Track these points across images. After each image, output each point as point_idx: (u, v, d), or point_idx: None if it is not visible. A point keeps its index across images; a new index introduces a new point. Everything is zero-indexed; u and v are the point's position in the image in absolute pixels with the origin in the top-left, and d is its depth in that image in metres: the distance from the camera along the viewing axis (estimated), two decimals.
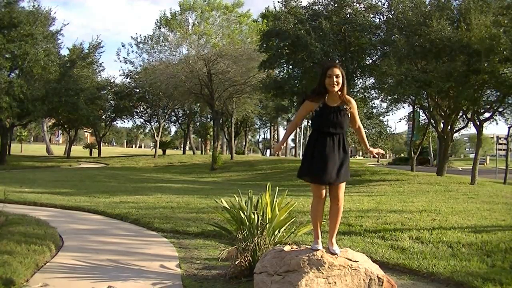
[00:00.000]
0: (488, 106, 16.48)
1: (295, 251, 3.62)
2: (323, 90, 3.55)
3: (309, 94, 3.69)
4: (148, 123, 41.41)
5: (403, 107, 26.38)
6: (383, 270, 3.76)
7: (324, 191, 3.62)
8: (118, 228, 6.80)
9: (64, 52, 35.28)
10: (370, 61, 20.85)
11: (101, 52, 33.26)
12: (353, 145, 40.16)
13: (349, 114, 3.59)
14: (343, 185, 3.63)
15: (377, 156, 3.77)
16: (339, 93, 3.56)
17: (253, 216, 4.22)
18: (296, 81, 21.24)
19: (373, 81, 21.45)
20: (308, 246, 3.76)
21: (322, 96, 3.57)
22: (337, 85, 3.51)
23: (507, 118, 17.92)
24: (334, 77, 3.49)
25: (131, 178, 17.78)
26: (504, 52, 13.21)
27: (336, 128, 3.54)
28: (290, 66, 21.73)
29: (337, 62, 4.05)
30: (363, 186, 14.20)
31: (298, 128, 49.54)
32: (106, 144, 77.29)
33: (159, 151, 38.78)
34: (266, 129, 55.60)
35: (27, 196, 9.84)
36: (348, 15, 19.27)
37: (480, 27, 13.55)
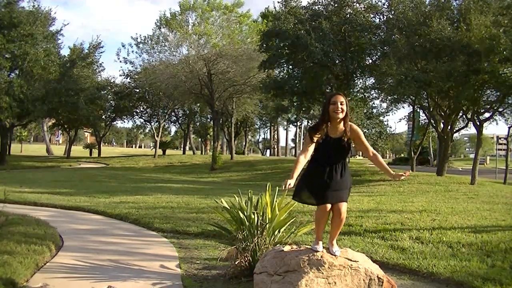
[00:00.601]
0: (488, 106, 16.48)
1: (295, 251, 3.62)
2: (327, 118, 3.55)
3: (312, 126, 3.69)
4: (148, 123, 41.43)
5: (403, 107, 26.42)
6: (383, 270, 3.77)
7: (328, 205, 3.61)
8: (118, 228, 6.80)
9: (65, 52, 35.30)
10: (370, 61, 20.84)
11: (101, 52, 33.33)
12: (353, 145, 40.18)
13: (351, 143, 3.62)
14: (345, 204, 3.64)
15: (405, 177, 3.71)
16: (342, 122, 3.55)
17: (253, 216, 4.22)
18: (296, 81, 21.23)
19: (373, 81, 21.45)
20: (308, 246, 3.76)
21: (324, 126, 3.56)
22: (342, 112, 3.51)
23: (507, 118, 17.92)
24: (339, 103, 3.50)
25: (131, 178, 17.78)
26: (504, 52, 13.21)
27: (337, 158, 3.57)
28: (290, 66, 21.72)
29: (336, 92, 4.03)
30: (363, 186, 14.20)
31: (298, 128, 49.64)
32: (106, 144, 77.28)
33: (159, 151, 38.77)
34: (266, 129, 55.62)
35: (27, 196, 9.84)
36: (348, 15, 19.26)
37: (480, 27, 13.55)
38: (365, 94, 23.32)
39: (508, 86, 13.81)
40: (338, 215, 3.60)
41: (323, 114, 3.59)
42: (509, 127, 18.73)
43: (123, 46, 79.11)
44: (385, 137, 31.56)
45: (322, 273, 3.41)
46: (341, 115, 3.52)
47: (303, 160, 3.54)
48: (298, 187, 3.62)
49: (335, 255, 3.55)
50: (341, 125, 3.56)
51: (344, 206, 3.61)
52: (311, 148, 3.59)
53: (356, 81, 22.01)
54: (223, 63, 26.37)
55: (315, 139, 3.56)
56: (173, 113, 41.26)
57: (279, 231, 4.39)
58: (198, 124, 46.67)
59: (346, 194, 3.62)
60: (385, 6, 19.01)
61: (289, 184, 3.38)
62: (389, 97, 20.55)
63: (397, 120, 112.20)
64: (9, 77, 23.51)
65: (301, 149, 3.91)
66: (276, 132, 50.52)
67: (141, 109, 39.15)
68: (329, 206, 3.57)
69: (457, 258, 4.60)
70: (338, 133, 3.56)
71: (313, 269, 3.41)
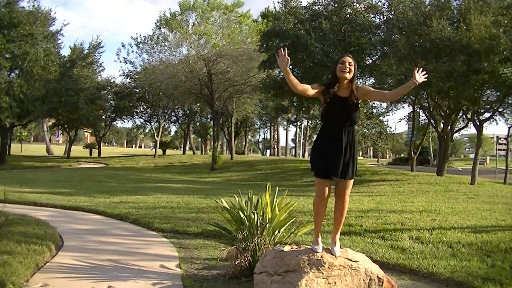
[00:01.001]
0: (488, 106, 16.49)
1: (295, 251, 3.62)
2: (334, 80, 3.58)
3: (326, 84, 3.67)
4: (148, 123, 41.43)
5: (403, 107, 26.41)
6: (383, 270, 3.77)
7: (328, 189, 3.59)
8: (118, 228, 6.80)
9: (65, 52, 35.31)
10: (370, 61, 20.84)
11: (101, 52, 33.31)
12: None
13: (359, 104, 3.62)
14: (350, 183, 3.62)
15: (424, 77, 3.49)
16: (350, 84, 3.57)
17: (253, 216, 4.22)
18: None
19: (373, 81, 21.44)
20: (308, 246, 3.76)
21: (332, 86, 3.57)
22: (349, 72, 3.53)
23: (507, 118, 17.95)
24: (347, 63, 3.52)
25: (131, 178, 17.78)
26: (504, 52, 13.21)
27: (345, 120, 3.53)
28: (290, 66, 21.70)
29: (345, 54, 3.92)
30: (363, 186, 14.20)
31: (298, 128, 49.63)
32: (106, 144, 77.27)
33: (159, 151, 38.77)
34: (266, 129, 55.64)
35: (27, 196, 9.84)
36: (348, 15, 19.25)
37: (480, 27, 13.55)
38: None
39: (508, 86, 13.81)
40: (341, 199, 3.61)
41: (333, 75, 3.61)
42: (509, 127, 18.75)
43: (123, 46, 79.14)
44: (385, 137, 31.59)
45: (322, 273, 3.41)
46: (348, 75, 3.52)
47: (298, 85, 3.53)
48: (312, 160, 3.65)
49: (335, 255, 3.54)
50: (349, 86, 3.57)
51: (348, 189, 3.59)
52: (310, 89, 3.57)
53: (356, 81, 21.96)
54: (223, 63, 26.38)
55: (322, 96, 3.55)
56: (173, 113, 41.27)
57: (279, 231, 4.39)
58: (198, 124, 46.68)
59: (352, 170, 3.56)
60: (385, 6, 19.01)
61: (284, 55, 3.34)
62: None
63: (397, 120, 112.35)
64: (9, 77, 23.51)
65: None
66: (276, 132, 50.54)
67: (141, 109, 39.16)
68: (327, 190, 3.54)
69: (457, 258, 4.60)
70: (345, 93, 3.56)
71: (313, 269, 3.41)
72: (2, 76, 22.41)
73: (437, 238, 5.40)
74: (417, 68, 3.53)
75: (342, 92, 3.57)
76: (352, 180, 3.62)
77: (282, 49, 3.35)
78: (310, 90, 3.59)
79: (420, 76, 3.45)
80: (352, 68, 3.54)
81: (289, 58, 3.35)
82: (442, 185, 13.50)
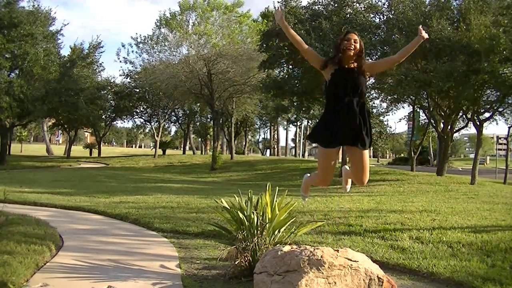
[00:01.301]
0: (488, 106, 16.49)
1: (295, 251, 3.62)
2: (336, 53, 3.38)
3: (327, 58, 3.48)
4: (148, 123, 41.43)
5: (403, 107, 26.42)
6: (383, 270, 3.76)
7: (331, 167, 3.36)
8: (118, 228, 6.80)
9: (65, 52, 35.30)
10: (370, 61, 20.84)
11: (101, 52, 33.28)
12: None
13: (367, 77, 3.44)
14: (366, 154, 3.35)
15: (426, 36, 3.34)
16: (356, 58, 3.38)
17: (253, 216, 4.22)
18: (296, 81, 21.21)
19: (373, 81, 21.44)
20: (308, 246, 3.76)
21: (335, 60, 3.37)
22: (354, 50, 3.35)
23: (507, 118, 17.95)
24: (352, 40, 3.35)
25: (131, 178, 17.78)
26: (504, 52, 13.22)
27: (354, 91, 3.31)
28: (290, 66, 21.72)
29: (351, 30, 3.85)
30: (363, 186, 14.18)
31: (298, 128, 49.63)
32: (106, 144, 77.25)
33: (159, 151, 38.77)
34: (266, 129, 55.62)
35: (27, 196, 9.84)
36: (348, 15, 19.24)
37: (480, 27, 13.55)
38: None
39: (508, 86, 13.81)
40: (361, 169, 3.37)
41: (335, 49, 3.41)
42: (509, 127, 18.75)
43: (123, 46, 79.08)
44: (385, 137, 31.63)
45: (322, 273, 3.41)
46: (352, 53, 3.34)
47: (300, 42, 3.40)
48: (314, 129, 3.47)
49: (345, 191, 3.57)
50: (354, 60, 3.38)
51: (365, 157, 3.31)
52: (311, 53, 3.46)
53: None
54: (223, 63, 26.37)
55: (325, 71, 3.36)
56: (173, 113, 41.28)
57: (279, 231, 4.39)
58: (198, 124, 46.67)
59: (367, 137, 3.28)
60: (385, 6, 19.01)
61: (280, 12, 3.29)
62: (389, 97, 20.58)
63: (397, 120, 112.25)
64: (9, 77, 23.52)
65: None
66: (276, 132, 50.53)
67: (141, 109, 39.15)
68: (331, 167, 3.33)
69: (457, 258, 4.60)
70: (351, 65, 3.38)
71: (313, 269, 3.41)
72: (2, 76, 22.42)
73: (437, 238, 5.40)
74: (421, 26, 3.38)
75: (347, 63, 3.38)
76: (368, 152, 3.35)
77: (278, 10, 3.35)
78: (310, 52, 3.49)
79: (424, 33, 3.32)
80: (357, 45, 3.35)
81: (282, 10, 3.27)
82: (442, 185, 13.51)
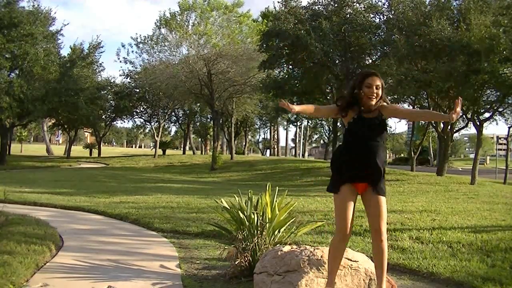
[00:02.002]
0: (488, 106, 16.49)
1: (295, 251, 3.62)
2: (351, 98, 3.08)
3: (341, 103, 3.14)
4: (148, 123, 41.43)
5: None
6: None
7: (350, 221, 3.08)
8: (118, 228, 6.80)
9: (65, 52, 35.29)
10: (370, 61, 20.85)
11: (101, 52, 33.27)
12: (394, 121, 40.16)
13: (387, 124, 3.24)
14: (382, 202, 3.04)
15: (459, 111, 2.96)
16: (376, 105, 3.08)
17: (253, 216, 4.22)
18: (296, 81, 21.25)
19: None
20: (308, 246, 3.76)
21: (353, 107, 3.07)
22: (377, 97, 3.03)
23: (507, 118, 17.95)
24: (375, 87, 3.02)
25: (131, 178, 17.77)
26: (504, 52, 13.22)
27: (373, 138, 3.05)
28: (290, 66, 21.74)
29: (376, 71, 3.28)
30: None
31: (298, 128, 49.66)
32: (106, 144, 77.27)
33: (159, 151, 38.77)
34: (266, 129, 55.61)
35: (27, 196, 9.84)
36: (348, 15, 19.27)
37: (480, 27, 13.55)
38: None
39: (508, 86, 13.81)
40: (377, 229, 3.01)
41: (350, 97, 3.08)
42: (509, 127, 18.75)
43: (123, 46, 78.84)
44: (385, 137, 31.60)
45: (322, 273, 3.41)
46: (374, 101, 3.03)
47: (312, 111, 3.20)
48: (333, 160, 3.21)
49: None
50: (374, 106, 3.07)
51: (381, 205, 3.02)
52: (325, 111, 3.32)
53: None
54: (223, 63, 26.36)
55: (345, 119, 3.08)
56: (173, 113, 41.28)
57: (279, 231, 4.39)
58: (198, 124, 46.68)
59: (381, 181, 3.03)
60: (385, 6, 19.04)
61: (288, 106, 3.00)
62: (389, 97, 20.55)
63: (397, 120, 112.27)
64: (9, 77, 23.53)
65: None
66: (276, 132, 50.53)
67: (141, 109, 39.16)
68: (350, 222, 3.04)
69: (457, 258, 4.60)
70: (370, 114, 3.07)
71: (313, 269, 3.41)
72: (2, 76, 22.43)
73: (437, 238, 5.40)
74: (459, 100, 2.91)
75: (367, 112, 3.07)
76: (385, 199, 3.06)
77: (281, 101, 3.05)
78: (323, 111, 3.39)
79: (454, 116, 2.92)
80: (380, 91, 3.04)
81: (293, 107, 3.01)
82: (442, 185, 13.51)
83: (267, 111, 37.42)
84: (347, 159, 3.06)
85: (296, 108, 3.04)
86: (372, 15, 19.82)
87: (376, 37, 19.24)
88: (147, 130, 48.55)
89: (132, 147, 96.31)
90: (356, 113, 3.06)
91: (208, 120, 43.39)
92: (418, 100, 19.77)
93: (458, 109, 2.89)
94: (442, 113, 3.21)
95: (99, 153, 40.79)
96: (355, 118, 3.06)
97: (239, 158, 30.81)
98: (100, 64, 34.75)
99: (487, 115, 17.13)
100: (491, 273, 4.10)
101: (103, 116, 38.24)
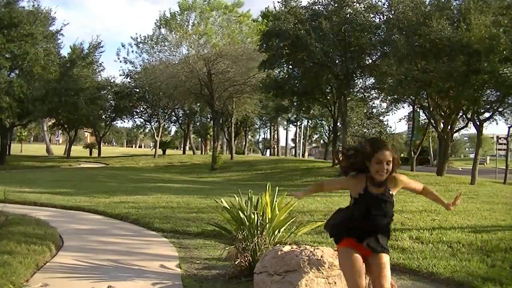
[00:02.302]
0: (488, 106, 16.47)
1: (295, 251, 3.62)
2: (359, 167, 2.84)
3: (350, 171, 2.91)
4: (148, 123, 41.42)
5: (403, 107, 26.45)
6: None
7: (358, 264, 2.74)
8: (118, 228, 6.80)
9: (66, 51, 35.29)
10: (370, 61, 20.85)
11: (101, 52, 33.27)
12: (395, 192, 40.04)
13: (395, 200, 2.90)
14: (386, 260, 2.77)
15: (459, 203, 3.05)
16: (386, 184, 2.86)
17: (253, 216, 4.22)
18: (296, 81, 21.25)
19: (373, 81, 21.45)
20: (308, 246, 3.76)
21: (361, 176, 2.84)
22: (387, 173, 2.77)
23: (507, 118, 17.92)
24: (385, 163, 2.74)
25: (131, 178, 17.77)
26: (504, 52, 13.21)
27: (379, 218, 2.83)
28: (290, 66, 21.73)
29: (387, 143, 2.93)
30: None
31: (298, 128, 49.64)
32: (106, 144, 77.22)
33: (159, 151, 38.76)
34: (266, 129, 55.56)
35: (27, 196, 9.84)
36: (348, 15, 19.25)
37: (480, 27, 13.55)
38: (365, 94, 23.34)
39: (508, 86, 13.81)
40: (381, 277, 2.70)
41: (358, 161, 2.82)
42: (509, 127, 18.73)
43: (123, 46, 78.95)
44: (385, 137, 31.62)
45: (322, 273, 3.41)
46: (384, 177, 2.77)
47: (320, 190, 3.14)
48: (333, 226, 2.99)
49: None
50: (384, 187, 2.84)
51: (385, 264, 2.74)
52: (335, 186, 3.18)
53: (356, 81, 22.01)
54: (223, 63, 26.36)
55: (352, 192, 2.85)
56: (173, 113, 41.27)
57: (279, 231, 4.39)
58: (198, 124, 46.66)
59: (385, 241, 2.85)
60: (385, 6, 19.03)
61: (298, 196, 3.05)
62: (389, 97, 20.57)
63: (397, 120, 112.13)
64: (9, 77, 23.54)
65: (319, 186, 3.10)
66: (276, 132, 50.48)
67: (141, 109, 39.14)
68: (358, 259, 2.73)
69: (457, 258, 4.60)
70: (381, 187, 2.83)
71: (313, 269, 3.41)
72: (2, 76, 22.43)
73: (437, 238, 5.40)
74: (459, 195, 2.97)
75: (375, 186, 2.82)
76: (388, 257, 2.82)
77: (295, 194, 3.05)
78: (333, 186, 3.29)
79: (453, 207, 3.00)
80: (391, 167, 2.76)
81: (302, 193, 3.02)
82: (442, 185, 13.51)
83: (267, 111, 37.40)
84: (348, 230, 2.86)
85: (305, 194, 3.06)
86: (372, 15, 19.81)
87: (376, 37, 19.23)
88: (147, 130, 48.52)
89: (132, 147, 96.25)
90: (363, 187, 2.81)
91: (208, 120, 43.37)
92: (418, 100, 19.76)
93: (458, 202, 2.93)
94: (444, 201, 3.07)
95: (99, 153, 40.78)
96: (362, 194, 2.81)
97: (239, 158, 30.82)
98: (100, 64, 34.77)
99: (487, 115, 17.12)
100: (491, 273, 4.10)
101: (103, 116, 38.22)
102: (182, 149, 52.54)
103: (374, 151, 2.75)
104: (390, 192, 2.85)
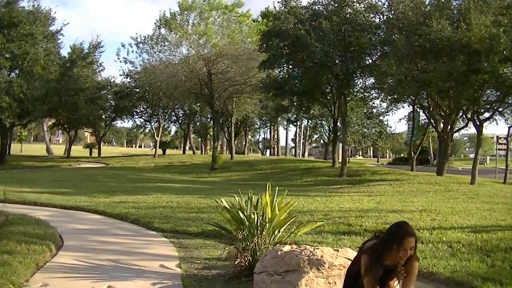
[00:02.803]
0: (488, 106, 16.48)
1: (295, 251, 3.62)
2: (381, 266, 2.78)
3: (372, 270, 2.80)
4: (148, 123, 41.43)
5: (403, 107, 26.43)
6: None
7: None
8: (118, 228, 6.80)
9: (66, 51, 35.29)
10: (370, 61, 20.83)
11: (101, 52, 33.26)
12: (353, 145, 40.24)
13: (404, 275, 2.87)
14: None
15: None
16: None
17: (253, 216, 4.22)
18: (296, 81, 21.23)
19: (373, 81, 21.44)
20: (308, 246, 3.76)
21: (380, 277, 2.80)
22: (407, 257, 2.80)
23: (507, 118, 17.93)
24: (409, 249, 2.77)
25: (131, 178, 17.77)
26: (504, 52, 13.21)
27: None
28: (290, 66, 21.72)
29: (411, 229, 2.87)
30: (363, 186, 14.20)
31: (298, 128, 49.64)
32: (106, 144, 77.19)
33: (159, 151, 38.77)
34: (266, 129, 55.54)
35: (27, 196, 9.84)
36: (348, 15, 19.23)
37: (480, 27, 13.55)
38: (365, 94, 23.32)
39: (508, 86, 13.81)
40: None
41: (381, 254, 2.77)
42: (509, 127, 18.74)
43: (123, 46, 78.96)
44: (385, 137, 31.64)
45: (322, 273, 3.41)
46: (403, 261, 2.80)
47: None
48: None
49: None
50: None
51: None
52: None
53: (356, 81, 22.00)
54: (223, 63, 26.35)
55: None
56: (173, 113, 41.27)
57: (279, 231, 4.39)
58: (198, 124, 46.66)
59: None
60: (385, 6, 19.01)
61: None
62: (389, 97, 20.57)
63: (397, 120, 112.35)
64: (9, 76, 23.52)
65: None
66: (276, 132, 50.48)
67: (141, 109, 39.15)
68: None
69: (457, 258, 4.60)
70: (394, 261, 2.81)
71: (313, 269, 3.41)
72: (2, 76, 22.41)
73: (437, 238, 5.40)
74: None
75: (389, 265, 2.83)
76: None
77: None
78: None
79: None
80: (412, 251, 2.79)
81: None
82: (442, 185, 13.51)
83: (267, 111, 37.41)
84: None
85: None
86: (372, 15, 19.78)
87: (376, 37, 19.21)
88: (147, 130, 48.55)
89: (132, 147, 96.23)
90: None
91: (208, 120, 43.38)
92: (418, 100, 19.76)
93: None
94: None
95: (99, 153, 40.78)
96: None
97: (239, 158, 30.83)
98: (100, 64, 34.79)
99: (487, 115, 17.13)
100: (491, 273, 4.10)
101: (103, 116, 38.23)
102: (182, 149, 52.56)
103: (399, 238, 2.75)
104: (402, 268, 2.83)
